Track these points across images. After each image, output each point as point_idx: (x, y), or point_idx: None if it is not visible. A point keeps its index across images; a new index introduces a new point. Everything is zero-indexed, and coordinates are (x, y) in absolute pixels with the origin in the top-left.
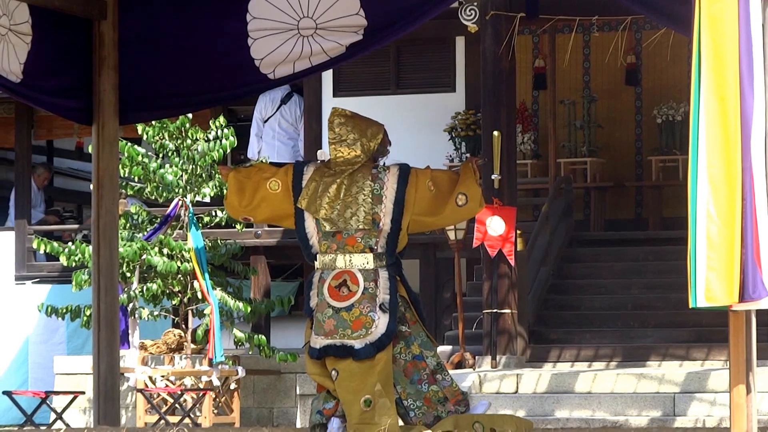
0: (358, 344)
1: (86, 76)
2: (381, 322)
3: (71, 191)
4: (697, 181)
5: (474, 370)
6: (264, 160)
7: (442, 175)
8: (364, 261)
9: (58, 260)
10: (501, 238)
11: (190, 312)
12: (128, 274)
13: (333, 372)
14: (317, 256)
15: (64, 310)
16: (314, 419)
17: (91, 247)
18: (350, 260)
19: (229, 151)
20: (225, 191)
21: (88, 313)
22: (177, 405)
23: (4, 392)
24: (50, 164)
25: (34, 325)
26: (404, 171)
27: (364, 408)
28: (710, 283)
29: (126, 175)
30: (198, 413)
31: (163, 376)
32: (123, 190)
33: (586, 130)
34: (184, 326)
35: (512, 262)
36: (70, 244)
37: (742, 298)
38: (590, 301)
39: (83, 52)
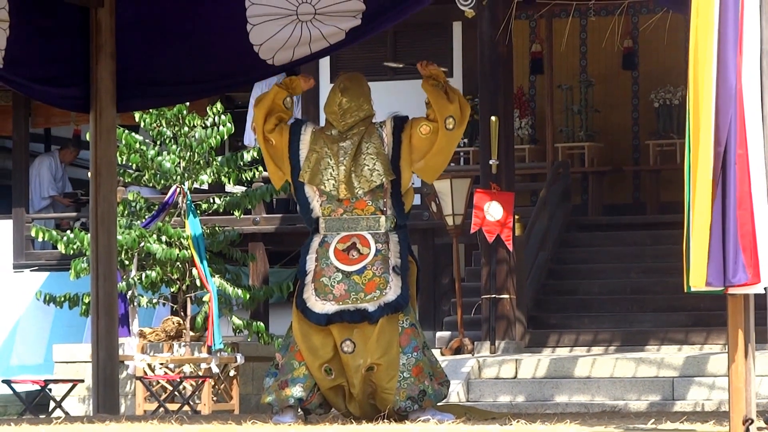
0: (371, 306)
1: (80, 64)
2: (395, 284)
3: (69, 179)
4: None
5: (473, 355)
6: None
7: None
8: (374, 223)
9: (57, 248)
10: (499, 223)
11: (188, 299)
12: (126, 262)
13: (347, 343)
14: (319, 220)
15: (62, 298)
16: (292, 403)
17: (89, 235)
18: (359, 223)
19: (226, 137)
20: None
21: (86, 300)
22: (176, 393)
23: (3, 380)
24: (78, 144)
25: (24, 311)
26: (399, 121)
27: (365, 374)
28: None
29: (124, 162)
30: (197, 401)
31: (162, 364)
32: (121, 178)
33: (583, 115)
34: (182, 314)
35: (510, 248)
36: (68, 232)
37: (722, 282)
38: (589, 286)
39: (76, 39)
